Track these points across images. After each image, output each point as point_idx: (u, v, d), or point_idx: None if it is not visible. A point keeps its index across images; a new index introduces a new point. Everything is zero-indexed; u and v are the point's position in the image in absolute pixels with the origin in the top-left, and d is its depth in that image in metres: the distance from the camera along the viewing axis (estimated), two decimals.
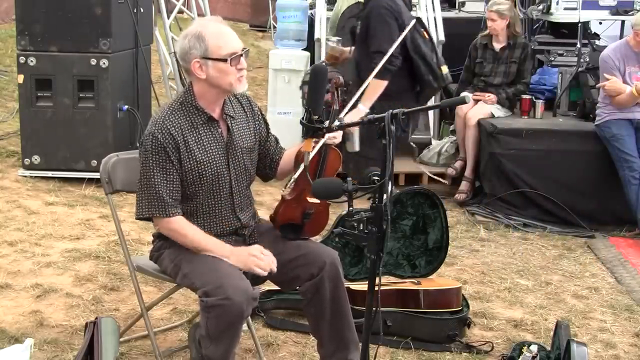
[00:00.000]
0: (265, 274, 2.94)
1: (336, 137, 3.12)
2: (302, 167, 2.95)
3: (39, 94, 5.67)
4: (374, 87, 4.44)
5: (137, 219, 3.04)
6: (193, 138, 2.95)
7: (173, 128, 2.93)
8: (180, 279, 2.98)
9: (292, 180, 3.09)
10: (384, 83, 4.51)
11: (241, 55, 2.93)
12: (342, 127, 2.88)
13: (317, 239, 4.00)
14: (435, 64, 4.67)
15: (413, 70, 4.63)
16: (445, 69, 4.66)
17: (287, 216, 3.13)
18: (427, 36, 4.70)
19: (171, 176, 2.93)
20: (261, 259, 2.93)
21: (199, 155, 2.96)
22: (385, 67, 4.49)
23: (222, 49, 2.90)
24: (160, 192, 2.91)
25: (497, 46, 6.25)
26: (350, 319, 3.10)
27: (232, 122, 3.05)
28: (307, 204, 3.12)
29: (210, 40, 2.89)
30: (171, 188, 2.93)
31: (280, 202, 3.16)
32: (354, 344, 3.09)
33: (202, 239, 2.97)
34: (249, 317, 3.20)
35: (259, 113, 3.18)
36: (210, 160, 2.98)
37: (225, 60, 2.89)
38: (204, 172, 2.97)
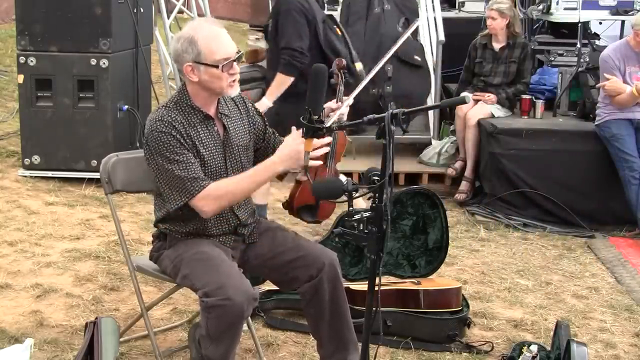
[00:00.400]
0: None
1: (344, 113, 3.13)
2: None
3: (39, 94, 5.67)
4: (280, 82, 4.44)
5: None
6: (193, 134, 2.94)
7: (173, 122, 2.90)
8: (180, 279, 2.97)
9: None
10: (290, 79, 4.47)
11: (234, 60, 2.91)
12: (342, 127, 2.88)
13: (317, 239, 4.01)
14: (350, 60, 4.64)
15: (328, 67, 4.59)
16: (359, 66, 4.59)
17: (303, 198, 3.27)
18: (339, 33, 4.68)
19: (186, 157, 2.87)
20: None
21: (201, 149, 2.95)
22: (291, 63, 4.48)
23: (214, 54, 2.87)
24: (181, 175, 2.85)
25: (497, 46, 6.25)
26: (349, 320, 3.10)
27: (228, 120, 3.04)
28: None
29: (203, 45, 2.86)
30: (191, 168, 2.87)
31: (294, 187, 3.35)
32: (353, 344, 3.10)
33: (244, 180, 2.91)
34: (249, 317, 3.20)
35: (253, 109, 3.17)
36: (209, 157, 2.97)
37: (217, 67, 2.88)
38: (202, 169, 2.95)
